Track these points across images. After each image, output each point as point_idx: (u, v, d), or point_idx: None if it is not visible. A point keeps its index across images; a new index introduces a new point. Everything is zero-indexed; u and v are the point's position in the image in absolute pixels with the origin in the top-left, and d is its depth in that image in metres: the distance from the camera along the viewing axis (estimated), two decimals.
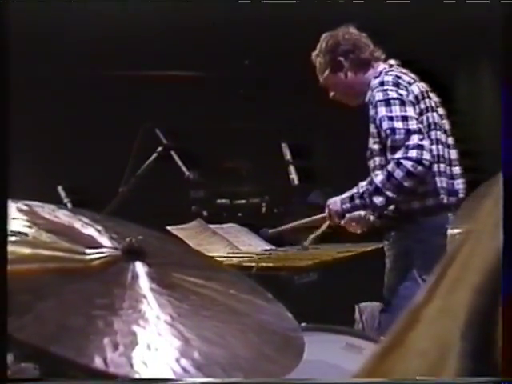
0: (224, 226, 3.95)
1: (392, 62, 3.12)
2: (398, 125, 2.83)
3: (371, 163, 2.98)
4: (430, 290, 0.54)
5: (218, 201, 5.86)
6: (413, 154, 2.78)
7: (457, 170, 3.06)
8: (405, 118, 2.84)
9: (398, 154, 2.79)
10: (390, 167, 2.81)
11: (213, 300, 1.16)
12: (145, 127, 3.36)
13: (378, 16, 4.31)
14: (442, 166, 2.97)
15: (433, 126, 2.97)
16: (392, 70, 3.03)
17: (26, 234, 1.14)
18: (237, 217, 4.70)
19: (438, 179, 2.94)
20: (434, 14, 5.24)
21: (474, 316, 0.48)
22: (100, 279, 1.06)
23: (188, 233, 3.69)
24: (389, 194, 2.83)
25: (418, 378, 0.51)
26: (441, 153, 2.98)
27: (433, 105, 3.02)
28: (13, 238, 1.10)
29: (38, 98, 5.43)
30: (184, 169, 3.40)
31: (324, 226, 3.22)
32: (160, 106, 5.53)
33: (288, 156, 3.76)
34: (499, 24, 0.84)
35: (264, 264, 3.08)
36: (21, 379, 0.95)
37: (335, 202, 3.05)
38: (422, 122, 2.91)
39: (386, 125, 2.84)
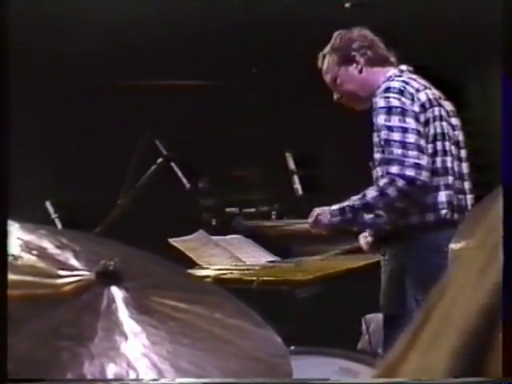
0: (227, 237, 3.89)
1: (403, 67, 2.98)
2: (395, 136, 2.68)
3: (374, 173, 2.85)
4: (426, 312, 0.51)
5: (228, 209, 5.83)
6: (409, 172, 2.63)
7: (468, 184, 2.89)
8: (404, 130, 2.69)
9: (393, 170, 2.65)
10: (382, 183, 2.68)
11: (193, 326, 1.10)
12: (144, 138, 3.30)
13: (389, 20, 4.25)
14: (449, 178, 2.79)
15: (440, 137, 2.79)
16: (401, 76, 2.89)
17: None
18: None
19: (442, 193, 2.76)
20: (447, 18, 5.18)
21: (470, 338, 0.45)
22: (71, 306, 1.00)
23: (190, 245, 3.63)
24: (379, 211, 2.71)
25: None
26: (449, 165, 2.79)
27: (443, 114, 2.84)
28: None
29: (32, 107, 5.40)
30: (184, 181, 3.33)
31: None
32: (165, 115, 5.49)
33: (292, 166, 3.70)
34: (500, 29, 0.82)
35: (265, 278, 3.03)
36: (21, 379, 0.90)
37: (324, 213, 2.89)
38: (426, 133, 2.75)
39: (383, 135, 2.72)
